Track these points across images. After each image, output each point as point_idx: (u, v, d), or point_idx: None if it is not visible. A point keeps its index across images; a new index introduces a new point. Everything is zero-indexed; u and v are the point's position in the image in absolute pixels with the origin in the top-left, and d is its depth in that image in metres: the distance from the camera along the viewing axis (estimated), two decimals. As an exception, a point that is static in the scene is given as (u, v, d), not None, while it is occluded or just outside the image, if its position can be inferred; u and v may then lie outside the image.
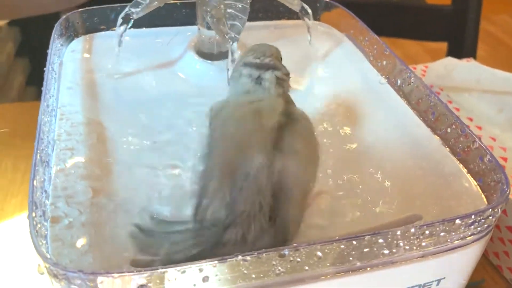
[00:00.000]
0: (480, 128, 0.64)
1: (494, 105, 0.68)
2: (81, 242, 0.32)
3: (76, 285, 0.27)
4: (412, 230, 0.31)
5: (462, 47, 1.07)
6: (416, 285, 0.34)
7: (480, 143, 0.38)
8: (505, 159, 0.58)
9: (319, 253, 0.29)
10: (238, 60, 0.39)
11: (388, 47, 0.49)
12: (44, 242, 0.31)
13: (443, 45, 1.09)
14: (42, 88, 0.41)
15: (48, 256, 0.27)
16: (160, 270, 0.27)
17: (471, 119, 0.65)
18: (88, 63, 0.50)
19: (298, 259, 0.29)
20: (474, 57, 1.06)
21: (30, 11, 1.09)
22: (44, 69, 0.44)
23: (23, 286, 0.50)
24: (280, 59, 0.39)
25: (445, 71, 0.75)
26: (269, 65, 0.37)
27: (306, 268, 0.30)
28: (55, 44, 0.48)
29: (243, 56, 0.38)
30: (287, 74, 0.37)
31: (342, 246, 0.30)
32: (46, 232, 0.31)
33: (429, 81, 0.72)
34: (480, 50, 1.08)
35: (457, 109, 0.67)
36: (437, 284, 0.34)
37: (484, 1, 1.04)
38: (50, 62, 0.44)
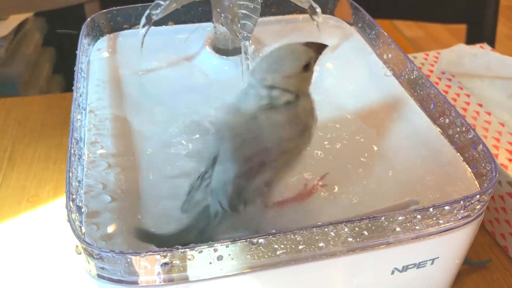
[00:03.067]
0: (489, 113, 0.66)
1: (504, 91, 0.70)
2: (112, 226, 0.36)
3: (108, 263, 0.31)
4: (406, 216, 0.34)
5: (481, 27, 1.07)
6: (412, 264, 0.37)
7: (475, 133, 0.41)
8: (513, 145, 0.61)
9: (318, 237, 0.33)
10: (252, 67, 0.40)
11: (393, 41, 0.52)
12: (80, 226, 0.35)
13: (463, 26, 1.09)
14: (73, 88, 0.45)
15: (85, 238, 0.31)
16: (180, 250, 0.31)
17: (480, 105, 0.67)
18: (113, 60, 0.54)
19: (300, 238, 0.33)
20: (494, 38, 1.06)
21: (54, 4, 1.13)
22: (74, 68, 0.47)
23: (61, 265, 0.55)
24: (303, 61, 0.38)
25: (457, 58, 0.77)
26: (273, 87, 0.37)
27: (306, 249, 0.33)
28: (83, 43, 0.52)
29: (257, 65, 0.39)
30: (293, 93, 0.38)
31: (344, 229, 0.33)
32: (81, 217, 0.36)
33: (440, 68, 0.74)
34: (503, 26, 1.07)
35: (468, 95, 0.70)
36: (432, 263, 0.38)
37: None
38: (79, 62, 0.48)
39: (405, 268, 0.37)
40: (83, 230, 0.35)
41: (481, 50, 0.78)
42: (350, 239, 0.34)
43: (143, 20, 0.50)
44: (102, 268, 0.32)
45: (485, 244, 0.60)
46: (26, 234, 0.59)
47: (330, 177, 0.41)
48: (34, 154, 0.71)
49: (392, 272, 0.37)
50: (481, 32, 1.07)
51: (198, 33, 0.58)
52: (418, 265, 0.37)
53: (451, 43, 0.81)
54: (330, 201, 0.39)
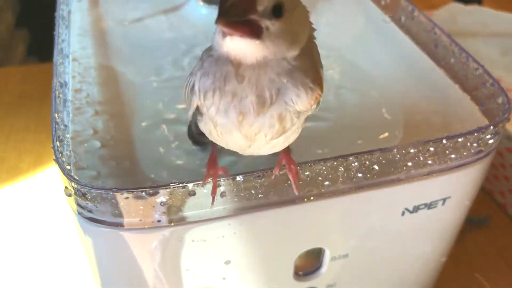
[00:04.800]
0: (484, 70, 0.65)
1: (498, 48, 0.69)
2: (102, 170, 0.34)
3: (102, 204, 0.29)
4: (418, 148, 0.32)
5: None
6: (423, 204, 0.35)
7: (483, 69, 0.39)
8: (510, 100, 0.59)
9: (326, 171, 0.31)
10: None
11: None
12: (69, 167, 0.32)
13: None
14: (54, 33, 0.42)
15: (76, 178, 0.28)
16: (180, 185, 0.28)
17: (475, 62, 0.66)
18: (96, 11, 0.51)
19: (308, 173, 0.31)
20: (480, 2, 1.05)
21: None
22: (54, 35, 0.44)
23: (43, 237, 0.53)
24: None
25: (450, 17, 0.76)
26: None
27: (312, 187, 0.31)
28: (63, -7, 0.49)
29: None
30: None
31: (353, 163, 0.31)
32: (69, 161, 0.33)
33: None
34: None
35: (462, 53, 0.68)
36: (443, 204, 0.36)
37: None
38: (59, 9, 0.45)
39: (416, 209, 0.35)
40: (72, 172, 0.32)
41: (475, 7, 0.77)
42: (359, 175, 0.32)
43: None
44: (93, 210, 0.29)
45: (484, 202, 0.59)
46: (5, 206, 0.56)
47: (330, 118, 0.39)
48: (12, 126, 0.68)
49: (403, 213, 0.35)
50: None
51: (186, -16, 0.55)
52: (429, 206, 0.35)
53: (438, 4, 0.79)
54: (329, 145, 0.37)
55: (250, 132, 0.27)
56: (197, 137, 0.35)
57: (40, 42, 1.29)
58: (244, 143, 0.28)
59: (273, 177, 0.30)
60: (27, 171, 0.61)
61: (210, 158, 0.31)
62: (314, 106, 0.28)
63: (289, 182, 0.30)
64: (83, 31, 0.48)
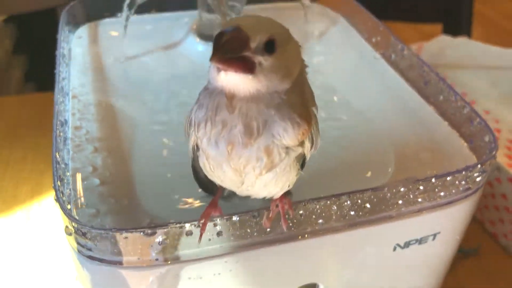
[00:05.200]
0: (474, 102, 0.66)
1: (487, 79, 0.71)
2: (101, 207, 0.34)
3: (102, 243, 0.29)
4: (408, 187, 0.33)
5: (457, 28, 1.09)
6: (414, 239, 0.36)
7: (470, 107, 0.40)
8: (498, 131, 0.61)
9: (319, 210, 0.32)
10: None
11: (382, 23, 0.52)
12: (70, 206, 0.33)
13: (437, 29, 1.11)
14: (55, 72, 0.43)
15: (77, 217, 0.29)
16: (177, 225, 0.29)
17: (465, 94, 0.67)
18: (96, 48, 0.53)
19: (301, 212, 0.32)
20: (469, 37, 1.07)
21: (26, 7, 1.10)
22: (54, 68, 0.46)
23: (41, 264, 0.53)
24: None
25: (439, 49, 0.77)
26: None
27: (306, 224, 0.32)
28: (63, 31, 0.51)
29: None
30: None
31: (345, 202, 0.32)
32: (70, 199, 0.34)
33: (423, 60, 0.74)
34: (476, 32, 1.10)
35: (452, 85, 0.70)
36: (433, 239, 0.37)
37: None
38: (60, 47, 0.46)
39: (407, 244, 0.36)
40: (72, 212, 0.33)
41: (464, 40, 0.79)
42: (352, 213, 0.33)
43: (125, 4, 0.48)
44: (93, 248, 0.30)
45: (474, 231, 0.60)
46: (2, 237, 0.56)
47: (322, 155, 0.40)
48: (10, 155, 0.68)
49: (394, 249, 0.36)
50: (456, 32, 1.08)
51: (182, 21, 0.56)
52: (420, 241, 0.36)
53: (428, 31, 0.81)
54: (322, 181, 0.38)
55: (239, 164, 0.28)
56: (203, 180, 0.35)
57: (37, 68, 1.30)
58: (236, 179, 0.29)
59: (264, 226, 0.31)
60: (25, 201, 0.61)
61: (212, 200, 0.32)
62: (309, 147, 0.29)
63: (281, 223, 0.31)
64: (83, 67, 0.49)
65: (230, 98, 0.27)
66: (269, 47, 0.27)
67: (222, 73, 0.26)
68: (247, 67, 0.26)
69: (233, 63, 0.26)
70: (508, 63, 0.73)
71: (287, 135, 0.28)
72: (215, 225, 0.30)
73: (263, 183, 0.29)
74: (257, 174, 0.29)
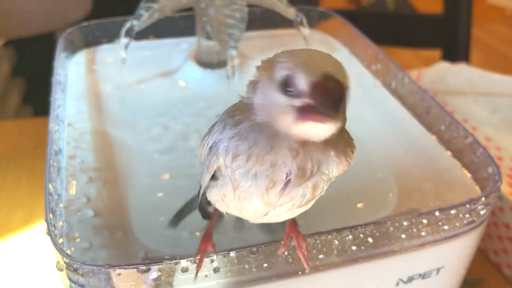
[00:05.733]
0: (474, 129, 0.66)
1: (487, 106, 0.70)
2: (94, 240, 0.33)
3: (94, 278, 0.28)
4: (411, 220, 0.32)
5: (455, 53, 1.09)
6: (417, 274, 0.35)
7: (473, 137, 0.39)
8: (500, 158, 0.60)
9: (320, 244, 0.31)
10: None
11: (382, 51, 0.51)
12: (62, 240, 0.32)
13: (436, 53, 1.11)
14: (50, 99, 0.42)
15: (68, 252, 0.28)
16: (173, 261, 0.28)
17: (466, 121, 0.67)
18: (93, 75, 0.52)
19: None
20: (467, 63, 1.08)
21: (24, 31, 1.10)
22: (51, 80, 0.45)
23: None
24: None
25: (439, 76, 0.77)
26: None
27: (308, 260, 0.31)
28: (60, 57, 0.50)
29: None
30: None
31: (347, 236, 0.31)
32: (62, 232, 0.33)
33: (423, 86, 0.74)
34: (474, 57, 1.10)
35: (452, 112, 0.69)
36: (437, 273, 0.36)
37: (477, 9, 1.06)
38: (56, 73, 0.46)
39: (410, 279, 0.35)
40: (64, 245, 0.32)
41: (463, 67, 0.79)
42: (354, 247, 0.32)
43: (123, 31, 0.48)
44: (85, 285, 0.29)
45: (478, 261, 0.59)
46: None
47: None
48: (4, 179, 0.67)
49: (397, 284, 0.35)
50: (455, 57, 1.09)
51: (181, 47, 0.56)
52: (423, 276, 0.35)
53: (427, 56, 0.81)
54: (323, 212, 0.37)
55: (276, 200, 0.27)
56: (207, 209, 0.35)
57: (35, 92, 1.30)
58: (262, 210, 0.28)
59: (279, 252, 0.30)
60: (17, 227, 0.60)
61: (205, 233, 0.31)
62: None
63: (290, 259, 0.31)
64: (80, 94, 0.48)
65: (302, 143, 0.26)
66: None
67: (300, 121, 0.25)
68: (333, 118, 0.25)
69: (326, 116, 0.25)
70: (507, 90, 0.73)
71: (337, 169, 0.27)
72: (212, 261, 0.29)
73: (291, 213, 0.29)
74: (295, 207, 0.28)
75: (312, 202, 0.29)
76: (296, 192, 0.27)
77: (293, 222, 0.31)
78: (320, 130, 0.25)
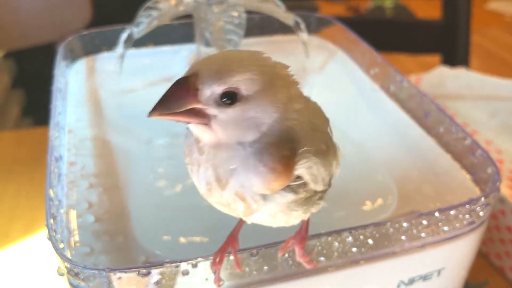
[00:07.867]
0: (475, 132, 0.66)
1: (487, 110, 0.70)
2: (95, 246, 0.33)
3: (95, 283, 0.28)
4: (411, 221, 0.32)
5: (454, 59, 1.09)
6: (418, 275, 0.35)
7: (471, 139, 0.39)
8: (500, 161, 0.60)
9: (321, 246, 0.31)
10: None
11: (380, 55, 0.51)
12: (62, 245, 0.32)
13: (436, 59, 1.12)
14: (51, 106, 0.42)
15: (69, 257, 0.28)
16: (173, 265, 0.28)
17: (466, 125, 0.67)
18: (92, 82, 0.52)
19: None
20: (467, 68, 1.08)
21: (24, 43, 1.11)
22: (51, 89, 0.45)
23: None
24: None
25: (438, 80, 0.77)
26: None
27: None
28: (60, 65, 0.50)
29: None
30: None
31: (347, 238, 0.31)
32: (63, 237, 0.33)
33: (422, 91, 0.74)
34: (473, 63, 1.10)
35: (453, 116, 0.69)
36: (438, 275, 0.36)
37: (476, 15, 1.07)
38: (56, 81, 0.46)
39: (411, 281, 0.35)
40: (65, 250, 0.32)
41: (462, 71, 0.79)
42: (354, 249, 0.32)
43: (122, 38, 0.48)
44: (87, 289, 0.29)
45: (480, 266, 0.58)
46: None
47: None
48: (4, 191, 0.67)
49: (398, 286, 0.35)
50: (454, 63, 1.09)
51: (180, 55, 0.56)
52: (424, 277, 0.35)
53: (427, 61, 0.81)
54: (324, 214, 0.37)
55: (222, 201, 0.27)
56: None
57: (35, 103, 1.30)
58: (228, 211, 0.28)
59: (279, 255, 0.30)
60: (17, 238, 0.60)
61: (231, 234, 0.31)
62: (313, 184, 0.27)
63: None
64: (80, 102, 0.49)
65: (197, 140, 0.27)
66: (228, 98, 0.24)
67: (185, 122, 0.25)
68: (200, 117, 0.25)
69: (182, 114, 0.24)
70: (507, 94, 0.73)
71: (256, 186, 0.25)
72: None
73: (261, 220, 0.28)
74: (242, 215, 0.27)
75: (285, 217, 0.27)
76: (228, 197, 0.26)
77: (303, 227, 0.30)
78: (194, 128, 0.26)
